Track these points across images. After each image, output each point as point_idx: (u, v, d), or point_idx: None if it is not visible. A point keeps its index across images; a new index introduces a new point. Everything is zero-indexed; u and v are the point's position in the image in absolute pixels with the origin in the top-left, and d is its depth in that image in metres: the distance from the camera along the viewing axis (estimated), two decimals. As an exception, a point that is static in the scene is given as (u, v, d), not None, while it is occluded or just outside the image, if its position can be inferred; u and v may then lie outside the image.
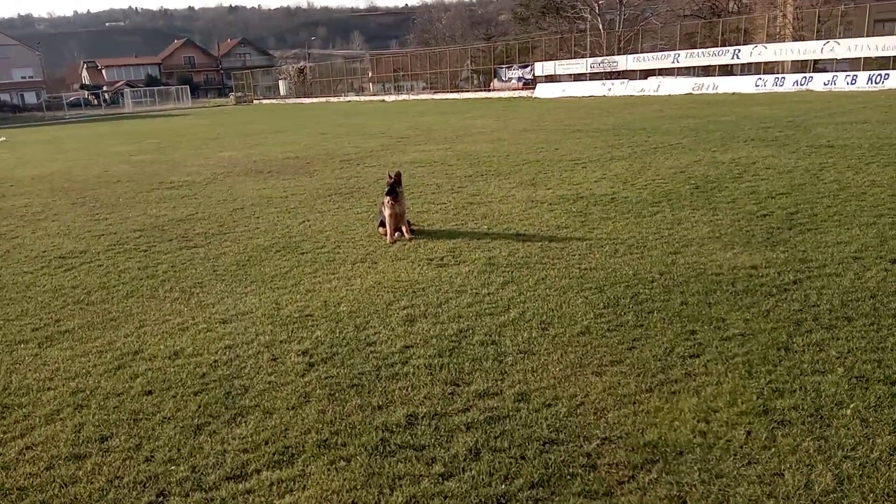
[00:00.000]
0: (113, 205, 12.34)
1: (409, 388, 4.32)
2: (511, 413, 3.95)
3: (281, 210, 10.70)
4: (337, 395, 4.30)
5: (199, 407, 4.26)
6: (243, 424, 4.02)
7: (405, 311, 5.66)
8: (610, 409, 3.93)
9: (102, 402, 4.42)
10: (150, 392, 4.52)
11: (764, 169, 11.17)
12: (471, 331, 5.16)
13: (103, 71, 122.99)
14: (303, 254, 7.86)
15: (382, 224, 8.44)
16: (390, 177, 8.22)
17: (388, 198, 8.09)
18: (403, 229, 8.34)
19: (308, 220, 9.75)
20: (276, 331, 5.43)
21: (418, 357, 4.74)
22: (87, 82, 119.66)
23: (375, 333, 5.24)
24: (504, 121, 25.69)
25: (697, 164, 12.24)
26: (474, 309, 5.61)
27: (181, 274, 7.33)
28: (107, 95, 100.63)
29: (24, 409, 4.40)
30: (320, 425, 3.95)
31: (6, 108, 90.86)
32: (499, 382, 4.31)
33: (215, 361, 4.91)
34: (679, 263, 6.43)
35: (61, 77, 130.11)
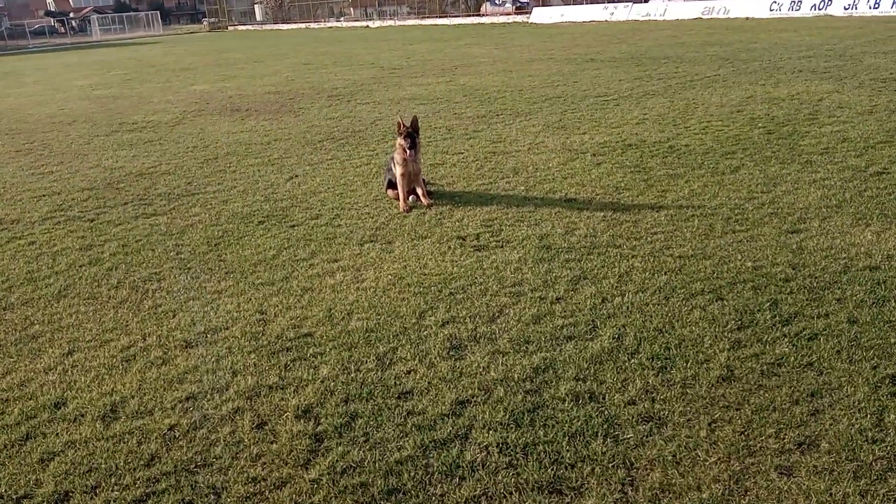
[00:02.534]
0: (63, 153, 10.37)
1: (482, 501, 2.67)
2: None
3: (262, 161, 8.82)
4: (365, 507, 2.66)
5: (141, 533, 2.60)
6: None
7: (446, 331, 3.96)
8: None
9: (-14, 519, 2.76)
10: (66, 499, 2.83)
11: (837, 108, 9.39)
12: (551, 370, 3.48)
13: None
14: (293, 227, 6.09)
15: (392, 185, 6.65)
16: (403, 124, 6.38)
17: (408, 151, 6.28)
18: (419, 192, 6.56)
19: (296, 176, 7.92)
20: (262, 366, 3.72)
21: (482, 427, 3.07)
22: (53, 9, 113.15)
23: (409, 373, 3.56)
24: (505, 49, 23.43)
25: (752, 100, 10.42)
26: (545, 327, 3.93)
27: (134, 258, 5.55)
28: (74, 23, 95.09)
29: None
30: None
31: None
32: (627, 494, 2.66)
33: (171, 429, 3.22)
34: (808, 249, 4.75)
35: (24, 3, 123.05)
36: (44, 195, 7.85)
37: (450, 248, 5.29)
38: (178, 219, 6.56)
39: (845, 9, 30.19)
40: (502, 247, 5.22)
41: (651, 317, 3.94)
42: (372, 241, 5.57)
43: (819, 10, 31.00)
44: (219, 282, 4.94)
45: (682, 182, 6.53)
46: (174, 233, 6.12)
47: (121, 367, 3.84)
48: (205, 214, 6.62)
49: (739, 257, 4.68)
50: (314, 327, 4.13)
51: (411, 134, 6.30)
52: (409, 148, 6.25)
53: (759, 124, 8.75)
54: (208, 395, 3.47)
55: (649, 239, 5.14)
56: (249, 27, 72.38)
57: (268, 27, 68.96)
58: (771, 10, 32.18)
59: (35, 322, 4.51)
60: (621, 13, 37.71)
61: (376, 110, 12.35)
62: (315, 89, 15.93)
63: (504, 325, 3.98)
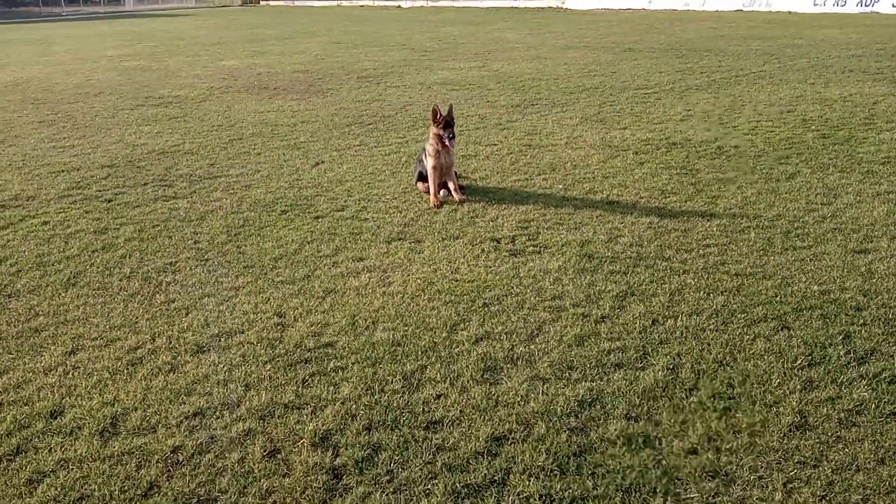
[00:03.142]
0: (86, 126, 10.11)
1: (523, 562, 2.32)
2: None
3: (288, 144, 8.49)
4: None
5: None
6: None
7: (480, 349, 3.61)
8: None
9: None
10: (51, 529, 2.53)
11: (894, 113, 8.82)
12: (598, 404, 3.11)
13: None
14: (317, 218, 5.75)
15: (422, 178, 6.28)
16: (440, 113, 6.00)
17: (447, 142, 5.91)
18: (451, 186, 6.19)
19: (323, 163, 7.57)
20: (278, 380, 3.39)
21: (522, 472, 2.71)
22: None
23: (438, 398, 3.21)
24: (539, 35, 22.83)
25: (801, 100, 9.87)
26: (590, 350, 3.55)
27: (149, 246, 5.25)
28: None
29: None
30: None
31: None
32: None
33: (174, 452, 2.90)
34: (879, 273, 4.31)
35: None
36: (62, 171, 7.59)
37: (483, 251, 4.91)
38: (199, 203, 6.25)
39: (893, 6, 29.09)
40: (540, 252, 4.84)
41: (709, 345, 3.55)
42: (400, 239, 5.22)
43: (865, 6, 29.91)
44: (236, 277, 4.62)
45: (734, 188, 6.08)
46: (193, 219, 5.82)
47: (126, 371, 3.54)
48: (226, 200, 6.30)
49: (804, 279, 4.25)
50: (336, 336, 3.79)
51: (450, 123, 5.92)
52: (450, 139, 5.88)
53: (813, 127, 8.23)
54: (218, 412, 3.15)
55: (702, 252, 4.72)
56: (281, 3, 72.05)
57: (300, 3, 68.57)
58: (815, 5, 31.10)
59: (40, 313, 4.23)
60: (659, 2, 36.74)
61: (406, 94, 11.95)
62: (344, 69, 15.55)
63: (544, 346, 3.61)
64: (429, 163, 6.06)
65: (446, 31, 25.83)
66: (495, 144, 8.12)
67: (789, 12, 30.47)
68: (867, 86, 10.85)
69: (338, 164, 7.46)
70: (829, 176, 6.32)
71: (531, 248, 4.93)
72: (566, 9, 39.58)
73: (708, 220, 5.31)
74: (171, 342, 3.80)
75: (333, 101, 11.44)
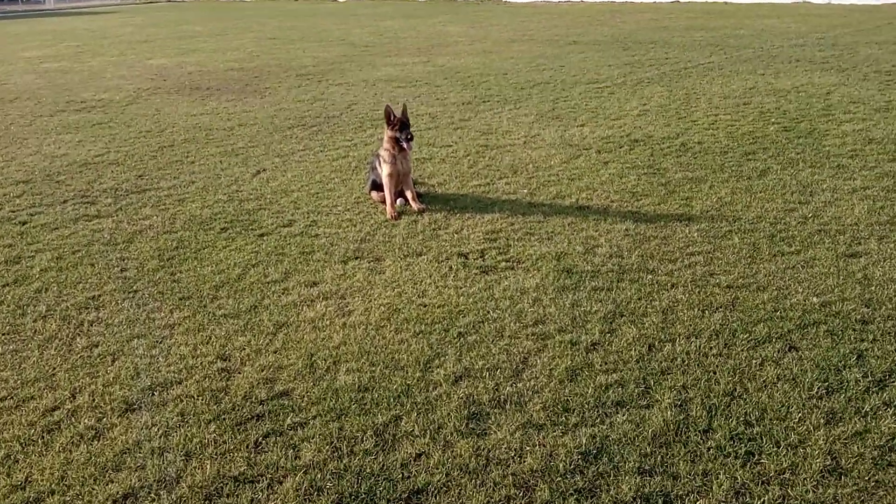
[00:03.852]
0: (0, 136, 9.21)
1: None
2: None
3: (225, 151, 7.83)
4: None
5: None
6: None
7: (460, 390, 3.15)
8: None
9: None
10: None
11: (850, 104, 8.74)
12: (605, 456, 2.69)
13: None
14: (262, 236, 5.18)
15: (376, 186, 5.78)
16: (393, 114, 5.51)
17: (406, 145, 5.44)
18: (408, 195, 5.71)
19: (264, 171, 6.97)
20: (226, 444, 2.86)
21: (530, 552, 2.27)
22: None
23: (419, 458, 2.73)
24: (481, 28, 22.46)
25: (755, 92, 9.73)
26: (585, 387, 3.13)
27: (68, 277, 4.59)
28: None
29: None
30: None
31: None
32: None
33: (99, 552, 2.35)
34: (877, 279, 4.04)
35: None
36: (-31, 188, 6.77)
37: (451, 268, 4.45)
38: (126, 222, 5.59)
39: (824, -5, 29.81)
40: (513, 268, 4.41)
41: (715, 374, 3.18)
42: (357, 258, 4.71)
43: (797, -5, 30.56)
44: (171, 311, 4.03)
45: (706, 188, 5.78)
46: (119, 242, 5.17)
47: (41, 441, 2.94)
48: (157, 217, 5.66)
49: (800, 289, 3.94)
50: (292, 382, 3.27)
51: (406, 125, 5.44)
52: (407, 141, 5.41)
53: (773, 119, 8.06)
54: (153, 492, 2.60)
55: (687, 262, 4.38)
56: (211, -2, 69.65)
57: (231, -1, 66.48)
58: (749, -5, 31.64)
59: (-65, 367, 3.57)
60: (597, -6, 36.86)
61: (350, 93, 11.37)
62: (282, 67, 14.82)
63: (533, 384, 3.18)
64: (384, 170, 5.57)
65: (386, 25, 25.21)
66: (450, 145, 7.66)
67: (725, 2, 30.89)
68: (816, 76, 10.82)
69: (281, 172, 6.87)
70: (800, 172, 6.09)
71: (503, 263, 4.50)
72: (505, 1, 39.37)
73: (686, 225, 4.98)
74: (94, 399, 3.21)
75: (272, 102, 10.78)
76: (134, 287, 4.38)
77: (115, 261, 4.80)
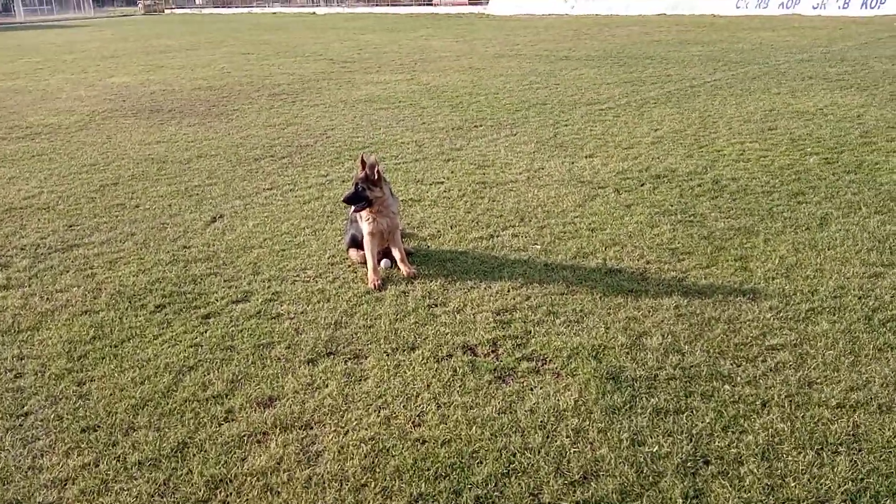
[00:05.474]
0: (-81, 169, 7.95)
1: None
2: None
3: (177, 190, 6.66)
4: None
5: None
6: None
7: None
8: None
9: None
10: None
11: (888, 129, 7.77)
12: None
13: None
14: (207, 317, 4.02)
15: (356, 243, 4.65)
16: (363, 163, 4.40)
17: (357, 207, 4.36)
18: (396, 255, 4.58)
19: (221, 217, 5.81)
20: None
21: None
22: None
23: None
24: (466, 43, 21.46)
25: (777, 115, 8.74)
26: None
27: (-61, 387, 3.40)
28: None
29: None
30: None
31: None
32: None
33: None
34: None
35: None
36: None
37: (455, 372, 3.33)
38: (38, 296, 4.40)
39: (814, 8, 29.28)
40: (538, 372, 3.29)
41: (877, 590, 2.08)
42: (330, 354, 3.57)
43: (787, 8, 30.00)
44: (67, 454, 2.86)
45: (761, 242, 4.71)
46: (23, 329, 3.98)
47: None
48: (78, 289, 4.48)
49: (940, 414, 2.86)
50: None
51: (361, 183, 4.33)
52: (351, 203, 4.35)
53: (808, 149, 7.04)
54: None
55: (770, 361, 3.28)
56: (188, 11, 68.46)
57: (207, 11, 65.32)
58: (738, 7, 31.04)
59: None
60: (582, 6, 36.14)
61: (327, 116, 10.23)
62: (254, 85, 13.66)
63: None
64: (365, 227, 4.44)
65: (366, 39, 24.14)
66: (442, 182, 6.55)
67: (713, 15, 30.24)
68: (838, 95, 9.87)
69: (241, 220, 5.72)
70: (866, 220, 5.05)
71: (524, 363, 3.38)
72: (488, 15, 38.53)
73: (753, 301, 3.89)
74: None
75: (239, 127, 9.61)
76: (24, 408, 3.20)
77: (10, 362, 3.61)
